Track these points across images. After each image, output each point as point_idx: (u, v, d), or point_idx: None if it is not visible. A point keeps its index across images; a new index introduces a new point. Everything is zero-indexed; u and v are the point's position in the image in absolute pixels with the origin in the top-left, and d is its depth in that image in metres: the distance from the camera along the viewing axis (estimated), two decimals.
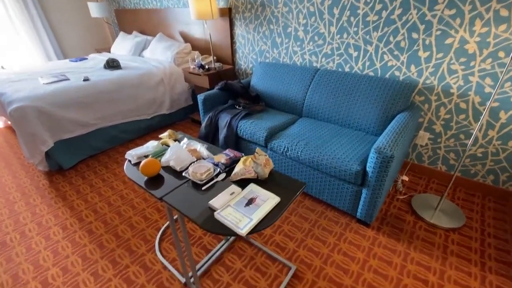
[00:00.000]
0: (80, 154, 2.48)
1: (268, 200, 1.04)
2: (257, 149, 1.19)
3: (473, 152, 1.93)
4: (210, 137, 2.44)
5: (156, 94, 2.94)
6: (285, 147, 1.89)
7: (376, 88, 1.92)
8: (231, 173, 1.19)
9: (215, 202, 1.03)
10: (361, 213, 1.68)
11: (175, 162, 1.24)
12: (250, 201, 1.04)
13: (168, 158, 1.26)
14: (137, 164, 1.29)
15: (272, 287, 1.39)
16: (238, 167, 1.16)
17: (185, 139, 1.46)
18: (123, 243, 1.67)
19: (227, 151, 1.33)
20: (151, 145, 1.38)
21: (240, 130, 2.16)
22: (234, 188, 1.11)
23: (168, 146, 1.41)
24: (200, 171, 1.17)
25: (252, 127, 2.09)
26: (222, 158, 1.27)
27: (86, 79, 2.59)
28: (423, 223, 1.74)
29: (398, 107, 1.84)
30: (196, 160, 1.28)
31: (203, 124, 2.42)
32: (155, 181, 1.18)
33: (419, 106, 2.00)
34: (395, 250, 1.57)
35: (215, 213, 0.99)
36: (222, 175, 1.20)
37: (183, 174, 1.20)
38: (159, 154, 1.33)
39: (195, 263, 1.51)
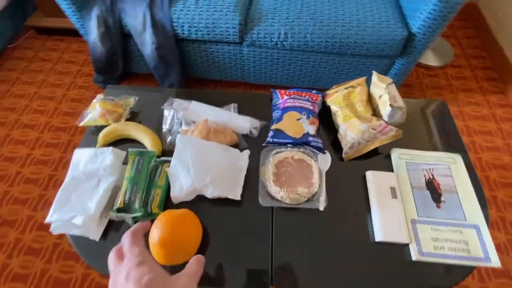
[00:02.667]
0: None
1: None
2: (374, 73, 0.56)
3: None
4: (114, 63, 1.35)
5: None
6: (280, 34, 1.17)
7: None
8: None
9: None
10: None
11: (215, 182, 0.50)
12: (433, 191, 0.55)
13: (184, 181, 0.49)
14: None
15: None
16: (353, 129, 0.55)
17: (169, 112, 0.61)
18: None
19: (278, 95, 0.62)
20: (97, 167, 0.51)
21: (182, 26, 1.19)
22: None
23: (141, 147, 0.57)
24: (297, 184, 0.51)
25: (204, 13, 1.16)
26: (291, 123, 0.58)
27: None
28: (422, 70, 1.64)
29: None
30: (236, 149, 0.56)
31: (94, 35, 1.24)
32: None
33: None
34: None
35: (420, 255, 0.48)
36: (325, 157, 0.58)
37: (260, 202, 0.52)
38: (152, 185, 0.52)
39: None
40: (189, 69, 1.43)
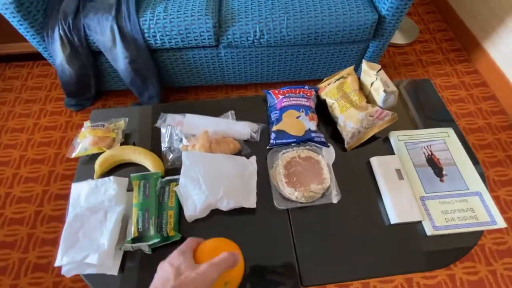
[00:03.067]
0: None
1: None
2: (363, 62, 0.57)
3: None
4: (86, 84, 1.29)
5: None
6: (256, 32, 1.16)
7: None
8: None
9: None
10: None
11: (229, 193, 0.50)
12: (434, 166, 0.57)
13: (197, 198, 0.48)
14: None
15: None
16: (352, 119, 0.57)
17: (168, 129, 0.59)
18: None
19: (280, 93, 0.62)
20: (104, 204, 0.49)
21: (154, 36, 1.15)
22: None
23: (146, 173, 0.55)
24: (309, 182, 0.52)
25: (175, 20, 1.13)
26: (291, 122, 0.59)
27: None
28: (393, 49, 1.71)
29: None
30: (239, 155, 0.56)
31: (60, 58, 1.17)
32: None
33: None
34: None
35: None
36: (329, 151, 0.59)
37: (277, 205, 0.52)
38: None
39: None
40: (166, 78, 1.39)
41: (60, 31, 1.13)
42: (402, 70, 1.62)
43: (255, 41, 1.20)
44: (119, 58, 1.19)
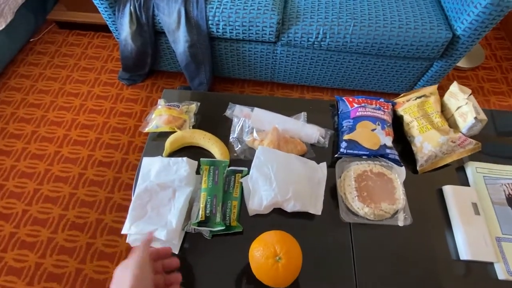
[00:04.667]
0: None
1: None
2: (454, 83, 0.54)
3: None
4: (143, 61, 1.33)
5: None
6: (319, 34, 1.14)
7: None
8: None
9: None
10: None
11: (297, 196, 0.49)
12: None
13: (265, 194, 0.48)
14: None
15: None
16: (431, 141, 0.53)
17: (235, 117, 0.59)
18: None
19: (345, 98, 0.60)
20: (174, 178, 0.50)
21: (217, 24, 1.16)
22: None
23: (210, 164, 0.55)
24: (380, 200, 0.49)
25: (241, 12, 1.13)
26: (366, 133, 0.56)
27: None
28: (452, 71, 1.61)
29: None
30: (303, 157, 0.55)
31: (125, 33, 1.22)
32: None
33: None
34: None
35: None
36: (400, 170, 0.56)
37: (343, 217, 0.50)
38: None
39: None
40: (218, 67, 1.41)
41: (131, 7, 1.17)
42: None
43: (315, 43, 1.18)
44: (180, 41, 1.22)
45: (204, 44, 1.23)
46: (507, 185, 0.55)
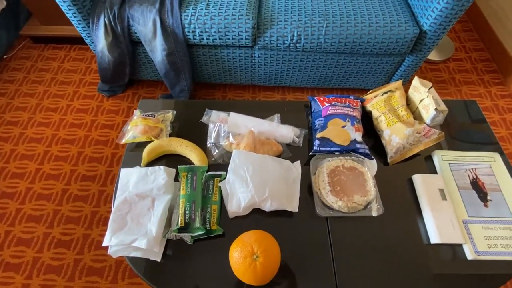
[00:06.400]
0: None
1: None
2: (415, 78, 0.57)
3: None
4: (121, 72, 1.33)
5: None
6: (293, 36, 1.17)
7: None
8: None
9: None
10: None
11: (274, 195, 0.51)
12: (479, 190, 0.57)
13: (242, 196, 0.50)
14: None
15: None
16: (398, 133, 0.57)
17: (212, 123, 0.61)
18: None
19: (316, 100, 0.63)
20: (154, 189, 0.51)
21: (193, 31, 1.17)
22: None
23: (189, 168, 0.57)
24: (353, 193, 0.52)
25: (216, 18, 1.15)
26: (336, 132, 0.59)
27: None
28: (425, 64, 1.68)
29: None
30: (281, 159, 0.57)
31: (101, 44, 1.21)
32: None
33: None
34: None
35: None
36: (372, 163, 0.59)
37: (318, 211, 0.52)
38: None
39: None
40: (198, 73, 1.42)
41: (105, 19, 1.17)
42: (434, 87, 1.59)
43: (291, 45, 1.21)
44: (157, 50, 1.22)
45: (182, 51, 1.24)
46: (471, 170, 0.59)
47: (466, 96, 1.55)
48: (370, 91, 0.67)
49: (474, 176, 0.58)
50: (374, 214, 0.52)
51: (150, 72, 1.43)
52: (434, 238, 0.51)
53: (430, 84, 0.59)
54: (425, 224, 0.54)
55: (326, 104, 0.63)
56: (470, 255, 0.50)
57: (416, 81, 0.61)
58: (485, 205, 0.55)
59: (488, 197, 0.56)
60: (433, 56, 1.67)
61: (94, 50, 1.30)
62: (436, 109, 0.56)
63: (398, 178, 0.59)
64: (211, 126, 0.60)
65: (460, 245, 0.52)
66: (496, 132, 1.43)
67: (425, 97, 0.58)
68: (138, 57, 1.34)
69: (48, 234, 1.14)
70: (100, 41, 1.22)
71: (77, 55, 1.71)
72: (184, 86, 1.38)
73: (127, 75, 1.40)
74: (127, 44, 1.25)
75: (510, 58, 1.56)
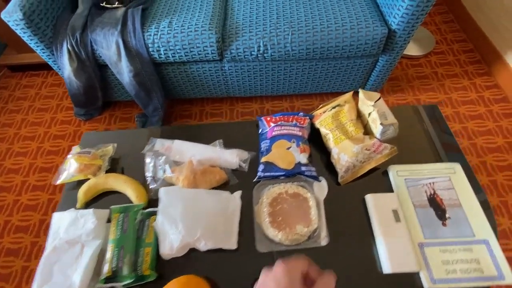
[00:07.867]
0: None
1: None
2: (361, 91, 0.53)
3: None
4: (93, 95, 1.31)
5: None
6: (260, 46, 1.14)
7: None
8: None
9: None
10: (373, 84, 1.38)
11: (208, 234, 0.47)
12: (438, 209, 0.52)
13: (173, 237, 0.46)
14: None
15: None
16: (346, 151, 0.53)
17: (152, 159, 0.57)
18: None
19: (266, 119, 0.59)
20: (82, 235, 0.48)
21: (158, 50, 1.15)
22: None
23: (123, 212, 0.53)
24: (295, 223, 0.48)
25: (179, 35, 1.12)
26: (281, 153, 0.55)
27: None
28: (406, 60, 1.63)
29: None
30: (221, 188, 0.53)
31: (68, 71, 1.19)
32: None
33: None
34: (406, 99, 1.48)
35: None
36: (321, 185, 0.55)
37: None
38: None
39: None
40: (171, 90, 1.39)
41: (68, 45, 1.16)
42: (415, 84, 1.54)
43: (259, 55, 1.18)
44: (124, 72, 1.20)
45: (149, 71, 1.22)
46: (428, 185, 0.54)
47: (449, 90, 1.50)
48: (320, 106, 0.64)
49: (432, 192, 0.54)
50: (323, 243, 0.48)
51: (123, 93, 1.41)
52: (386, 268, 0.47)
53: (378, 96, 0.55)
54: (378, 250, 0.49)
55: (272, 125, 0.60)
56: (426, 283, 0.46)
57: (361, 94, 0.57)
58: (444, 224, 0.51)
59: (447, 215, 0.51)
60: (413, 51, 1.62)
61: (62, 76, 1.28)
62: (381, 123, 0.52)
63: (351, 200, 0.55)
64: (147, 159, 0.57)
65: (417, 273, 0.48)
66: (483, 125, 1.37)
67: (371, 111, 0.54)
68: (108, 80, 1.33)
69: (26, 268, 1.11)
70: (66, 68, 1.21)
71: (54, 80, 1.71)
72: (157, 105, 1.36)
73: (99, 98, 1.39)
74: (94, 68, 1.23)
75: (493, 47, 1.51)
